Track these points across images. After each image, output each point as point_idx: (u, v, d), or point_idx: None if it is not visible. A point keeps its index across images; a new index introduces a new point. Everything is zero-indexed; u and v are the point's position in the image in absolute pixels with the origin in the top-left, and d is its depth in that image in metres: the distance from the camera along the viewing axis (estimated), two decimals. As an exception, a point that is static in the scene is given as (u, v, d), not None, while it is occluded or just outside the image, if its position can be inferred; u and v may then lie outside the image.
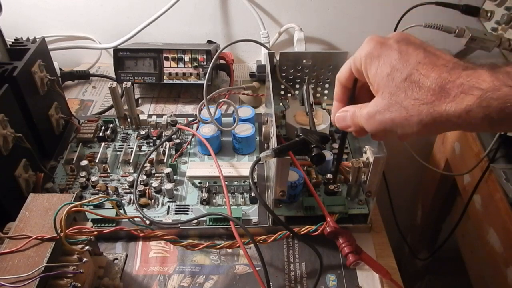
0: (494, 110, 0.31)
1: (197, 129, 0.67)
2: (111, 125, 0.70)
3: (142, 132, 0.69)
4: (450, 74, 0.33)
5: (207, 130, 0.66)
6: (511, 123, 0.31)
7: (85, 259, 0.42)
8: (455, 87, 0.32)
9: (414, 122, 0.34)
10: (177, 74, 0.79)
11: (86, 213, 0.49)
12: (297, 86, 0.70)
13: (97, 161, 0.63)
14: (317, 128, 0.61)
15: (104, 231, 0.46)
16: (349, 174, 0.56)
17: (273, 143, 0.52)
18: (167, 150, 0.65)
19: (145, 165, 0.63)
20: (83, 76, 0.89)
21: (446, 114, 0.33)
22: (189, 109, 0.82)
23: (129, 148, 0.66)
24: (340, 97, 0.44)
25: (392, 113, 0.35)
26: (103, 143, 0.66)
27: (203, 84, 0.65)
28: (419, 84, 0.34)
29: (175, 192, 0.61)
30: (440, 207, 1.00)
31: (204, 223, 0.56)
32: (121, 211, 0.52)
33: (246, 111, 0.69)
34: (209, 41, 0.89)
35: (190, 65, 0.78)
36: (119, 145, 0.68)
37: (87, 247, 0.43)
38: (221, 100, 0.68)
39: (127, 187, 0.61)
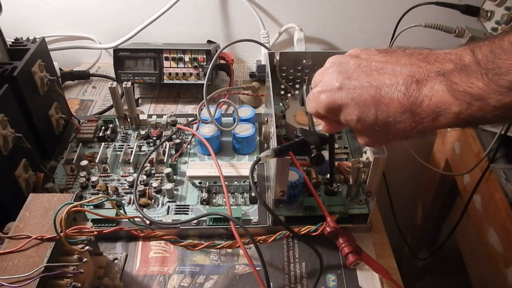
0: (473, 121, 0.32)
1: (197, 129, 0.67)
2: (111, 125, 0.70)
3: (142, 132, 0.69)
4: (410, 102, 0.34)
5: (207, 130, 0.66)
6: (493, 122, 0.33)
7: (85, 259, 0.42)
8: (425, 111, 0.33)
9: (409, 137, 0.36)
10: (177, 74, 0.79)
11: (86, 213, 0.49)
12: (297, 86, 0.70)
13: (97, 161, 0.63)
14: (317, 129, 0.61)
15: (104, 231, 0.46)
16: (349, 174, 0.56)
17: (273, 143, 0.52)
18: (167, 150, 0.65)
19: (145, 165, 0.63)
20: (83, 76, 0.89)
21: (431, 129, 0.34)
22: (189, 109, 0.82)
23: (129, 148, 0.66)
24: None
25: (387, 142, 0.39)
26: (103, 143, 0.66)
27: (203, 84, 0.65)
28: (390, 123, 0.35)
29: (175, 192, 0.61)
30: (440, 207, 1.00)
31: (204, 223, 0.56)
32: (121, 211, 0.52)
33: (246, 111, 0.69)
34: (209, 41, 0.89)
35: (190, 65, 0.78)
36: (119, 145, 0.68)
37: (87, 247, 0.43)
38: (221, 100, 0.68)
39: (127, 187, 0.61)
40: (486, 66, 0.30)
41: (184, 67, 0.79)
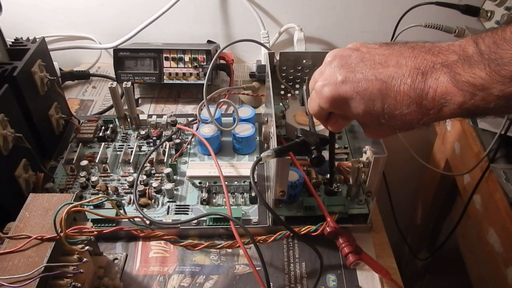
0: (476, 111, 0.32)
1: (197, 129, 0.67)
2: (111, 125, 0.70)
3: (142, 132, 0.69)
4: (416, 94, 0.34)
5: (207, 130, 0.66)
6: (496, 112, 0.33)
7: (85, 259, 0.42)
8: (430, 102, 0.33)
9: (414, 128, 0.36)
10: (177, 74, 0.79)
11: (86, 213, 0.49)
12: (297, 86, 0.70)
13: (97, 161, 0.63)
14: (317, 129, 0.61)
15: (104, 231, 0.46)
16: (349, 174, 0.56)
17: (273, 143, 0.52)
18: (167, 150, 0.65)
19: (145, 165, 0.63)
20: (83, 76, 0.89)
21: (435, 120, 0.35)
22: (189, 109, 0.82)
23: (129, 148, 0.66)
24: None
25: (391, 134, 0.39)
26: (103, 143, 0.66)
27: (203, 84, 0.65)
28: (396, 116, 0.35)
29: (175, 192, 0.61)
30: (440, 207, 1.00)
31: (204, 223, 0.56)
32: (121, 211, 0.52)
33: (246, 111, 0.69)
34: (209, 41, 0.89)
35: (190, 65, 0.78)
36: (119, 145, 0.68)
37: (87, 247, 0.43)
38: (221, 100, 0.68)
39: (127, 187, 0.61)
40: (489, 56, 0.30)
41: (184, 67, 0.79)
